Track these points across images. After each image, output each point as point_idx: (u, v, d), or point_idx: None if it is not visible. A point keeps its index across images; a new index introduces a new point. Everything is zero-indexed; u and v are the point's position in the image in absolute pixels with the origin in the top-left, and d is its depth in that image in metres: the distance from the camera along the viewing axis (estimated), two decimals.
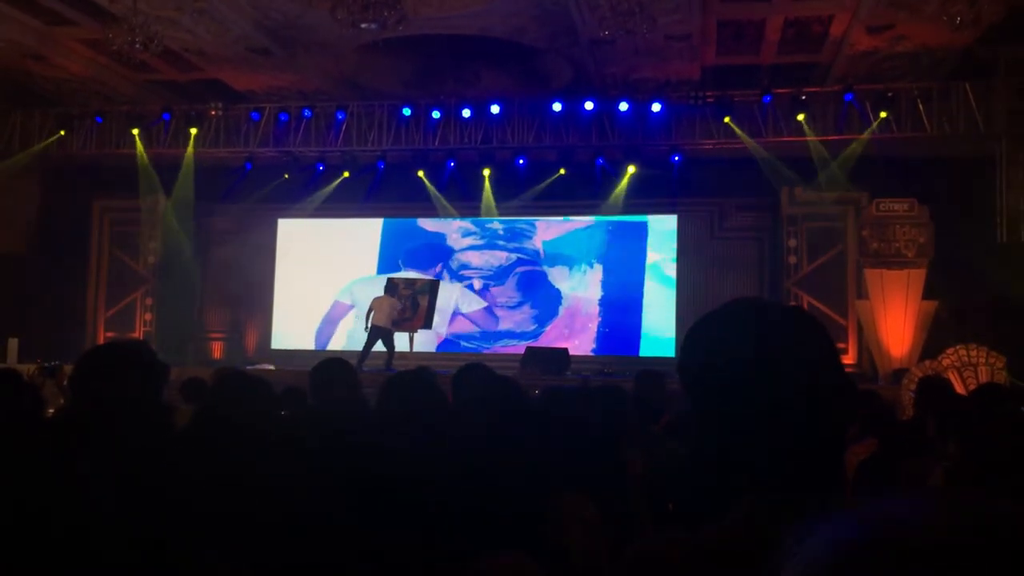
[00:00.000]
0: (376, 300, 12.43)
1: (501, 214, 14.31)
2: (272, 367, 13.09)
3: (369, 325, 12.26)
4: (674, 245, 13.97)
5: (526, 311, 14.38)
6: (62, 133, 13.56)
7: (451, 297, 14.37)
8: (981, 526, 0.56)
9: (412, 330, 12.87)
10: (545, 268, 14.39)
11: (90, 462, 1.20)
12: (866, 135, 11.79)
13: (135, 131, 13.42)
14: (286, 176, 14.00)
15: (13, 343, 12.78)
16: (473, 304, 14.51)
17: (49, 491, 1.13)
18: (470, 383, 3.46)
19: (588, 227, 14.36)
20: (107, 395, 2.32)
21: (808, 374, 1.08)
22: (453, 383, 3.61)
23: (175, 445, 2.37)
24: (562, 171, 13.37)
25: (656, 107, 12.27)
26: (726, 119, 12.14)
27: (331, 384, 3.88)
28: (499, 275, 14.54)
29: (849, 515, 0.60)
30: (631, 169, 13.19)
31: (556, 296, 14.31)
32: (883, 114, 11.64)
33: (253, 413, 2.27)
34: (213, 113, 13.30)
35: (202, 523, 1.60)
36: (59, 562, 1.09)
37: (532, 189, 13.58)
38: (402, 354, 12.36)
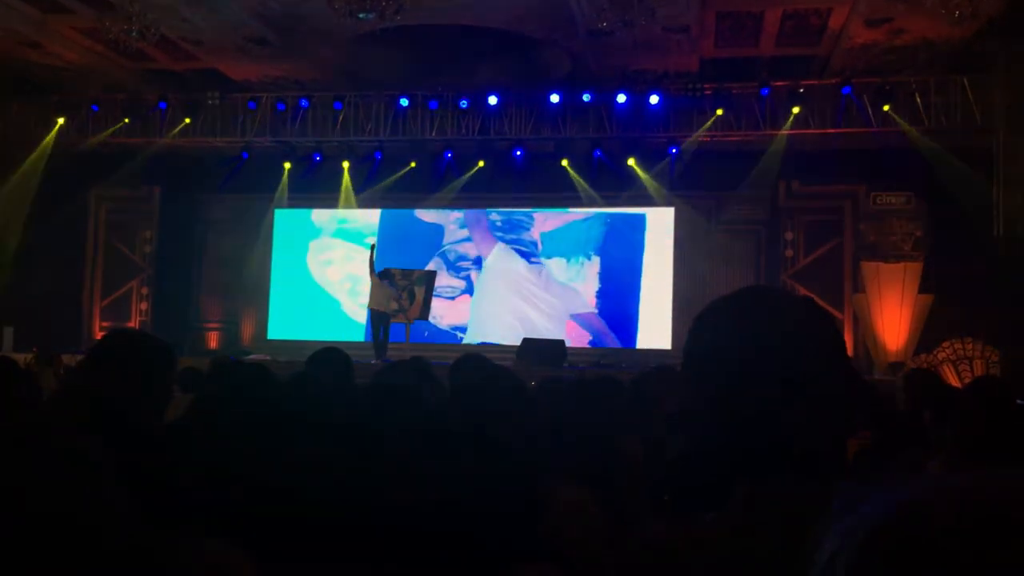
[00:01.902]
0: (375, 280, 12.33)
1: (499, 205, 14.28)
2: (268, 357, 13.06)
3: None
4: (671, 238, 13.96)
5: None
6: (61, 122, 13.49)
7: None
8: (1008, 500, 0.57)
9: (408, 321, 12.84)
10: (543, 260, 14.38)
11: (88, 453, 1.20)
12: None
13: (126, 120, 13.37)
14: (287, 166, 13.97)
15: (8, 331, 12.75)
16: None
17: (46, 483, 1.12)
18: (467, 374, 3.46)
19: (586, 219, 14.34)
20: (116, 384, 2.31)
21: (815, 365, 1.08)
22: (450, 373, 3.62)
23: (173, 434, 2.37)
24: (565, 162, 13.36)
25: (654, 99, 12.24)
26: (718, 111, 12.11)
27: (327, 374, 3.87)
28: None
29: (880, 498, 0.60)
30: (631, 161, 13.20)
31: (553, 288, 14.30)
32: (886, 107, 11.61)
33: (251, 401, 2.26)
34: (210, 102, 13.25)
35: (203, 515, 1.59)
36: (55, 557, 1.08)
37: (531, 182, 13.57)
38: (397, 345, 12.34)
